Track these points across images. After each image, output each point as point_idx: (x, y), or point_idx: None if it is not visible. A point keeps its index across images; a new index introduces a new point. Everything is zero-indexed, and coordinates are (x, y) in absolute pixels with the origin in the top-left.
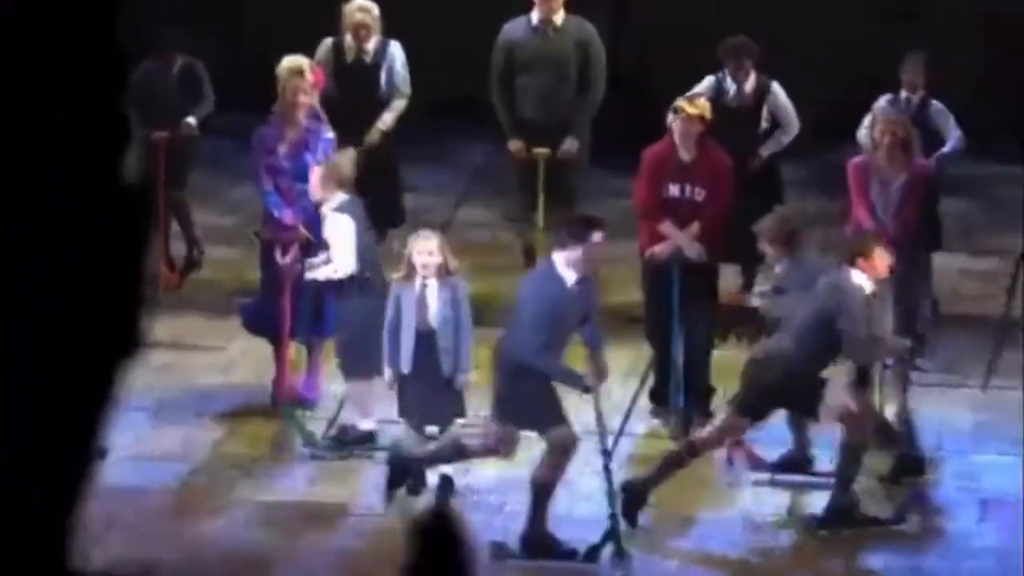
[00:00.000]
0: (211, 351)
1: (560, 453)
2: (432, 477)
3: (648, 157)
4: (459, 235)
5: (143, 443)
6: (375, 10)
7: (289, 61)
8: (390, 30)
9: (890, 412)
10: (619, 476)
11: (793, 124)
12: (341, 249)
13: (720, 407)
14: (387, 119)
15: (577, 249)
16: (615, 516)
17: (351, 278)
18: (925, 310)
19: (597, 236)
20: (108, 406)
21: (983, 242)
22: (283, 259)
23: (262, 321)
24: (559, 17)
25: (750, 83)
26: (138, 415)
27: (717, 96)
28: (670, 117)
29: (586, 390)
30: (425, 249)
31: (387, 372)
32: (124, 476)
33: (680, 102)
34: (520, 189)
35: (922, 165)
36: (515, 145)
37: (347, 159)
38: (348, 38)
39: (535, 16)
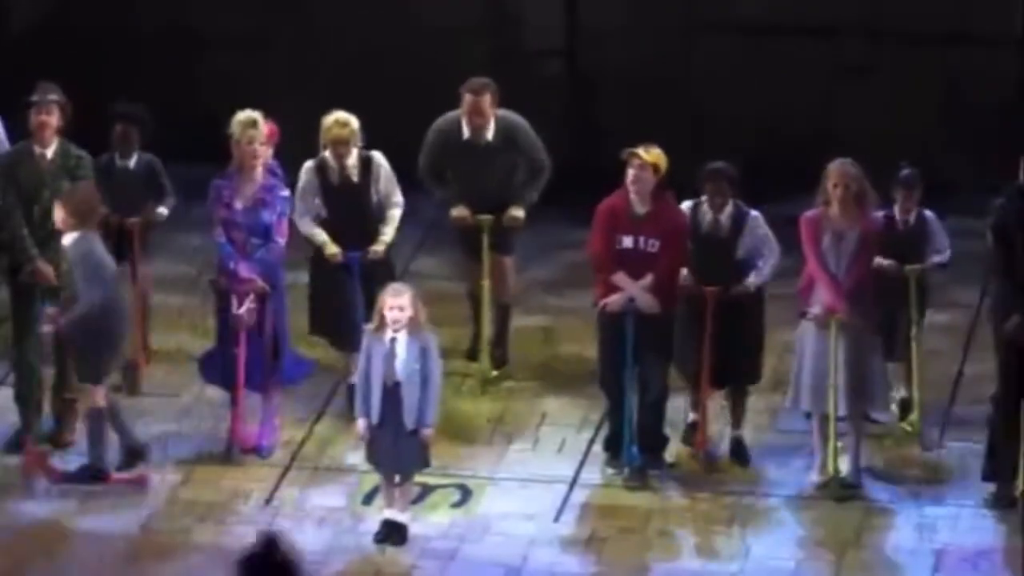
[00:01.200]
0: (166, 398)
1: None
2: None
3: (602, 209)
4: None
5: (99, 488)
6: (354, 123)
7: (242, 115)
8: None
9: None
10: (575, 525)
11: (775, 253)
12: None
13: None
14: (388, 233)
15: None
16: None
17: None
18: (878, 364)
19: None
20: None
21: (941, 296)
22: (238, 309)
23: (218, 370)
24: (489, 132)
25: (727, 212)
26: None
27: (693, 225)
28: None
29: None
30: (396, 304)
31: (360, 422)
32: (82, 520)
33: (634, 149)
34: (464, 252)
35: (875, 220)
36: (458, 211)
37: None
38: (328, 156)
39: (466, 130)
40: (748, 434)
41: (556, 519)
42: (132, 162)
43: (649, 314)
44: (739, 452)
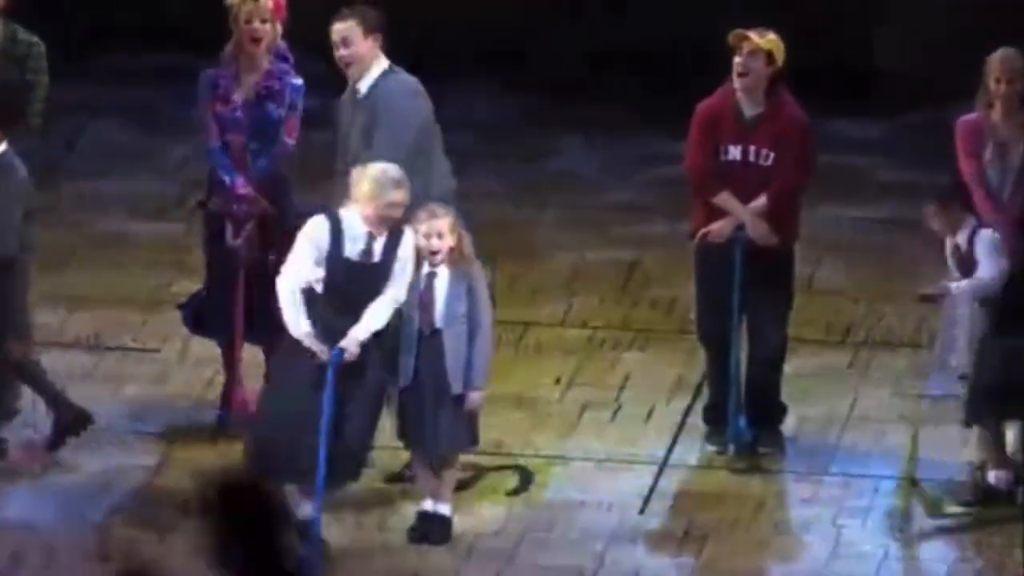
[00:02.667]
0: (143, 354)
1: None
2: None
3: (701, 112)
4: None
5: (55, 470)
6: None
7: None
8: None
9: None
10: (665, 517)
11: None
12: None
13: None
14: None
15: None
16: None
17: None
18: None
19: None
20: None
21: None
22: (234, 239)
23: (209, 318)
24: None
25: None
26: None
27: None
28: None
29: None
30: (433, 230)
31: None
32: (31, 510)
33: (743, 30)
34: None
35: None
36: None
37: None
38: None
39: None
40: (882, 401)
41: (642, 510)
42: None
43: (763, 245)
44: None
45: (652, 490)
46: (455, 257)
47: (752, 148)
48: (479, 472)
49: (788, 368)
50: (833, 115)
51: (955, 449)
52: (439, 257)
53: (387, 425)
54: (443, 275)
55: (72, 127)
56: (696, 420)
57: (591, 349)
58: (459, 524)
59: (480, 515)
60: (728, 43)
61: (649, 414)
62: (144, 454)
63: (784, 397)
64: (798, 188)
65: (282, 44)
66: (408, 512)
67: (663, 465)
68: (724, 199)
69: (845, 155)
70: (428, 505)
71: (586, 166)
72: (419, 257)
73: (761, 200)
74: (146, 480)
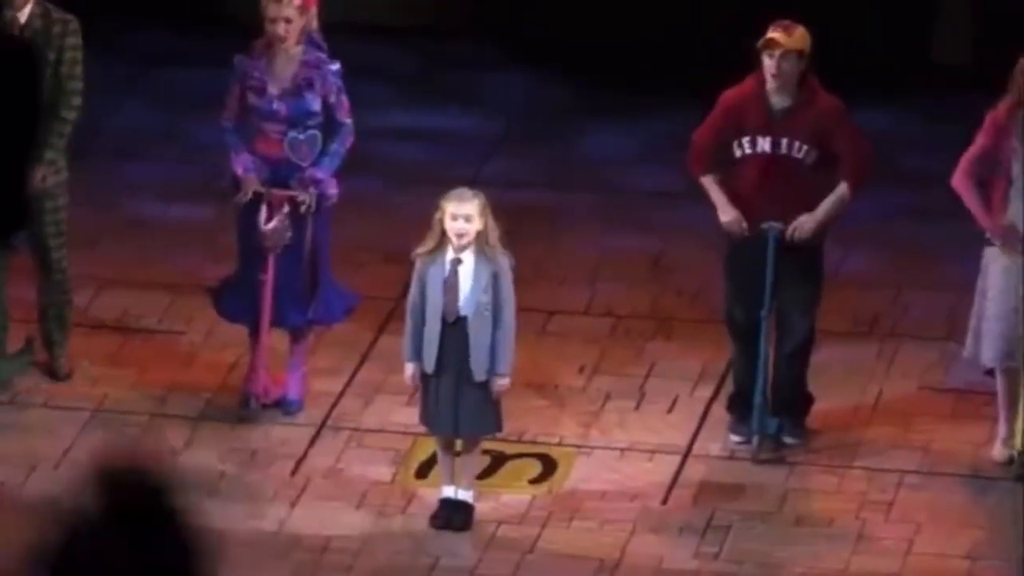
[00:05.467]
0: (168, 336)
1: None
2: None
3: (727, 100)
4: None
5: (77, 453)
6: None
7: None
8: None
9: None
10: (689, 508)
11: None
12: None
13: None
14: None
15: None
16: None
17: None
18: None
19: None
20: None
21: None
22: (266, 224)
23: (238, 302)
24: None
25: None
26: (73, 417)
27: None
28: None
29: None
30: (461, 213)
31: (408, 367)
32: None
33: (772, 34)
34: None
35: None
36: None
37: None
38: None
39: None
40: (908, 393)
41: (664, 500)
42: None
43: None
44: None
45: (675, 480)
46: (481, 244)
47: (784, 140)
48: (502, 459)
49: (815, 359)
50: (862, 103)
51: (979, 445)
52: (465, 240)
53: (409, 411)
54: (468, 262)
55: (101, 108)
56: (720, 410)
57: (615, 337)
58: (481, 511)
59: (502, 502)
60: (757, 48)
61: (673, 403)
62: (168, 436)
63: (810, 388)
64: (865, 180)
65: (315, 32)
66: (431, 498)
67: (686, 455)
68: (707, 183)
69: (873, 143)
70: (450, 492)
71: (615, 152)
72: (443, 241)
73: (827, 203)
74: (170, 462)
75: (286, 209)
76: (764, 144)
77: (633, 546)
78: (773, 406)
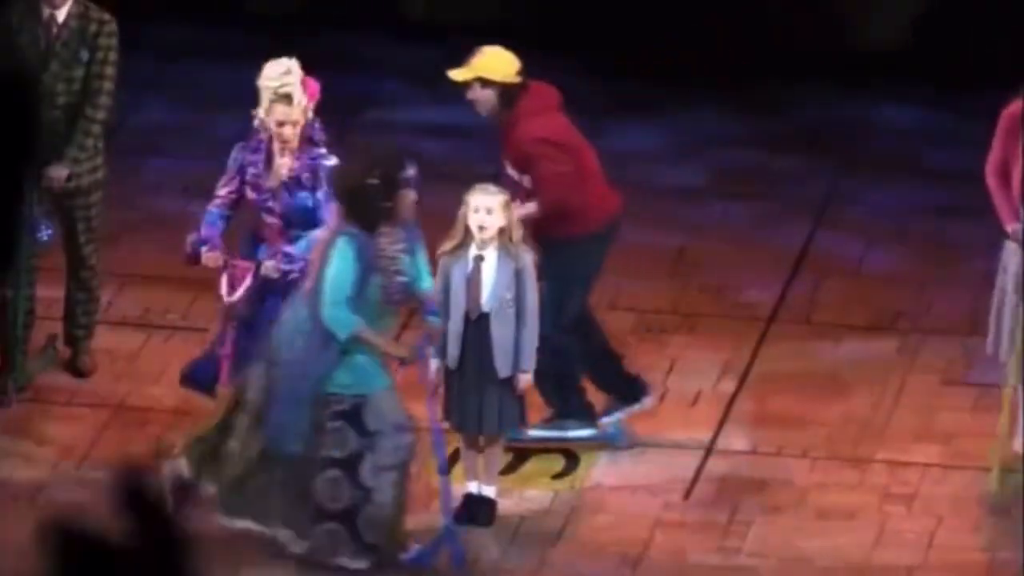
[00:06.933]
0: (190, 333)
1: None
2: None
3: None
4: None
5: (100, 451)
6: None
7: (274, 77)
8: None
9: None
10: (711, 502)
11: None
12: None
13: None
14: None
15: None
16: None
17: None
18: None
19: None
20: None
21: None
22: (229, 295)
23: (200, 372)
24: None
25: None
26: (95, 416)
27: None
28: None
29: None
30: (484, 205)
31: (431, 364)
32: (70, 496)
33: None
34: None
35: None
36: None
37: None
38: None
39: None
40: (930, 388)
41: (687, 495)
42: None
43: None
44: None
45: (698, 474)
46: (504, 241)
47: None
48: (525, 455)
49: (837, 353)
50: (883, 99)
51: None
52: (487, 234)
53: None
54: (491, 258)
55: (122, 104)
56: (743, 404)
57: (638, 332)
58: (504, 506)
59: (525, 498)
60: None
61: (696, 398)
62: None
63: (832, 382)
64: None
65: (315, 124)
66: (454, 494)
67: (709, 450)
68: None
69: (895, 140)
70: (474, 487)
71: (640, 147)
72: (467, 237)
73: None
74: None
75: (250, 278)
76: None
77: (656, 541)
78: None
